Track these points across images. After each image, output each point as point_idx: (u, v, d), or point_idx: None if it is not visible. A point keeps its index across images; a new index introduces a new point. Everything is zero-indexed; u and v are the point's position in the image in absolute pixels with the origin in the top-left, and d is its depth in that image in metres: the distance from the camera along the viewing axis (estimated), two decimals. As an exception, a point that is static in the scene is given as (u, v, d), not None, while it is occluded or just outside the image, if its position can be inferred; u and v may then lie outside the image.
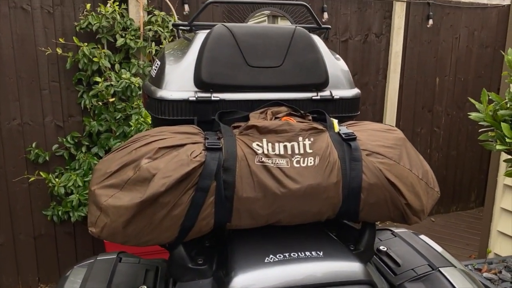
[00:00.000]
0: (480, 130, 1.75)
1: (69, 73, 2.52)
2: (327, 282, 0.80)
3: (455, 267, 1.02)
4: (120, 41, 2.43)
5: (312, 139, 0.89)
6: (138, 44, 2.47)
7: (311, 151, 0.88)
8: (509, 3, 3.72)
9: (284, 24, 3.05)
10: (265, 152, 0.86)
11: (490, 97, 1.74)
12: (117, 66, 2.44)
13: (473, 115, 1.77)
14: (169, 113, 1.02)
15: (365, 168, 0.90)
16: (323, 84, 1.08)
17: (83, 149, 2.53)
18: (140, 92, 2.35)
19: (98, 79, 2.34)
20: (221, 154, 0.85)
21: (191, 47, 1.06)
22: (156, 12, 2.56)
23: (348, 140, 0.92)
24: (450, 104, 3.77)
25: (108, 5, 2.39)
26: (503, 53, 1.79)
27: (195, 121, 1.02)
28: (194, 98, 1.01)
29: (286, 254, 0.84)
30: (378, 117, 3.51)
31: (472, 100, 1.74)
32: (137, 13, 2.56)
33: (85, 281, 0.94)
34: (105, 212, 0.80)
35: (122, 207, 0.79)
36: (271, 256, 0.84)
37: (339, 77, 1.12)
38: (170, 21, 2.54)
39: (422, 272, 1.00)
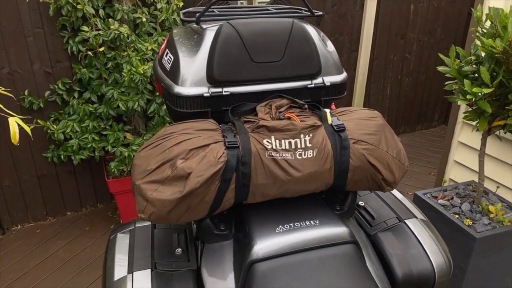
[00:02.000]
0: (446, 83, 1.97)
1: (51, 19, 2.50)
2: (322, 244, 1.08)
3: (417, 218, 1.32)
4: (102, -15, 2.39)
5: (311, 135, 1.10)
6: (120, -13, 2.45)
7: (310, 145, 1.09)
8: None
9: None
10: (274, 147, 1.07)
11: (458, 52, 1.94)
12: (101, 12, 2.44)
13: (440, 68, 1.98)
14: (186, 106, 1.18)
15: (352, 154, 1.13)
16: (316, 73, 1.26)
17: (75, 95, 2.62)
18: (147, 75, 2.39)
19: (85, 28, 2.36)
20: (239, 151, 1.05)
21: (202, 45, 1.19)
22: (135, -50, 2.49)
23: (339, 131, 1.13)
24: (422, 31, 3.93)
25: None
26: (473, 10, 1.94)
27: (209, 113, 1.19)
28: (208, 94, 1.17)
29: (291, 224, 1.10)
30: (355, 47, 3.65)
31: (441, 56, 1.93)
32: (115, -49, 2.48)
33: (132, 249, 1.18)
34: (151, 203, 1.02)
35: (166, 200, 1.01)
36: (280, 226, 1.10)
37: (329, 65, 1.29)
38: (151, -39, 2.49)
39: (391, 223, 1.30)
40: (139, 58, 2.36)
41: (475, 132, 2.39)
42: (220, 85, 1.18)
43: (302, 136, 1.09)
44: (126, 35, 2.33)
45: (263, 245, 1.06)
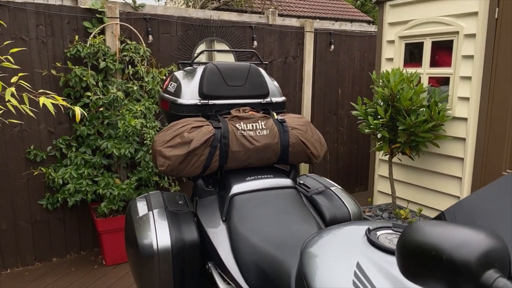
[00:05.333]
0: (358, 122, 2.80)
1: (59, 88, 3.19)
2: (274, 187, 1.72)
3: (337, 186, 2.00)
4: (102, 65, 3.16)
5: (265, 121, 1.80)
6: (115, 67, 3.22)
7: (265, 127, 1.79)
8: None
9: (220, 46, 3.95)
10: (243, 128, 1.76)
11: (364, 101, 2.81)
12: (100, 84, 3.17)
13: (353, 112, 2.82)
14: (185, 111, 1.86)
15: (291, 135, 1.83)
16: (266, 95, 2.01)
17: (73, 149, 3.20)
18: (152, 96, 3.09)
19: (89, 93, 3.05)
20: (221, 130, 1.73)
21: (195, 75, 1.92)
22: (128, 41, 3.33)
23: (281, 122, 1.85)
24: (350, 108, 4.95)
25: (92, 36, 3.12)
26: (370, 74, 2.87)
27: (200, 116, 1.88)
28: (199, 103, 1.87)
29: (256, 176, 1.74)
30: (297, 120, 4.54)
31: (352, 103, 2.79)
32: (113, 42, 3.31)
33: (149, 202, 1.75)
34: (168, 158, 1.64)
35: (178, 155, 1.63)
36: (248, 177, 1.73)
37: (274, 91, 2.05)
38: (140, 48, 3.32)
39: (321, 189, 1.96)
40: (131, 115, 3.04)
41: (387, 166, 3.19)
42: (206, 99, 1.89)
43: (259, 121, 1.80)
44: (121, 98, 3.04)
45: (238, 186, 1.69)
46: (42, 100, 1.77)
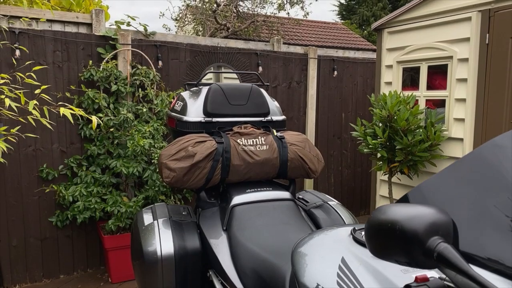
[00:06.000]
0: (357, 142, 2.90)
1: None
2: (273, 199, 1.81)
3: (334, 201, 2.08)
4: (113, 88, 3.33)
5: (264, 137, 1.91)
6: (126, 90, 3.39)
7: (264, 143, 1.90)
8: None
9: (227, 70, 4.13)
10: (244, 143, 1.87)
11: (363, 123, 2.91)
12: (111, 105, 3.33)
13: (353, 133, 2.92)
14: (190, 128, 1.98)
15: (289, 151, 1.94)
16: (267, 113, 2.13)
17: (84, 168, 3.33)
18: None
19: (100, 114, 3.21)
20: (223, 145, 1.84)
21: (200, 95, 2.05)
22: (139, 66, 3.51)
23: (280, 138, 1.96)
24: (354, 133, 5.05)
25: (105, 61, 3.31)
26: (369, 97, 2.99)
27: (204, 132, 2.00)
28: (204, 121, 1.99)
29: (256, 189, 1.84)
30: (301, 143, 4.65)
31: (352, 125, 2.90)
32: (124, 66, 3.49)
33: (155, 213, 1.84)
34: (173, 171, 1.75)
35: (183, 167, 1.74)
36: (249, 189, 1.83)
37: (274, 110, 2.17)
38: (150, 73, 3.50)
39: (319, 204, 2.04)
40: (140, 135, 3.18)
41: (387, 186, 3.26)
42: (210, 116, 2.02)
43: (259, 137, 1.91)
44: (131, 119, 3.18)
45: (239, 197, 1.79)
46: (62, 110, 1.91)
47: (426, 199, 0.76)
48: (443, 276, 0.68)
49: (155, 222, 1.76)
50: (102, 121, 3.24)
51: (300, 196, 2.14)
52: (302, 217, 1.78)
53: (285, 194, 1.86)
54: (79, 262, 3.49)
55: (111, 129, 3.25)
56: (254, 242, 1.58)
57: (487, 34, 2.58)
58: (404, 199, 0.79)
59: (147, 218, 1.81)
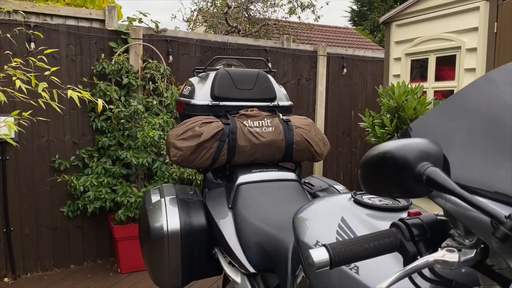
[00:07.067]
0: (365, 132, 2.91)
1: (84, 103, 3.41)
2: (279, 179, 1.82)
3: (341, 186, 2.09)
4: (125, 81, 3.39)
5: (270, 119, 1.94)
6: (137, 83, 3.45)
7: (270, 125, 1.92)
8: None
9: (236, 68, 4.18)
10: (250, 125, 1.89)
11: (371, 113, 2.92)
12: (122, 98, 3.39)
13: (361, 124, 2.93)
14: (198, 111, 2.02)
15: (295, 133, 1.95)
16: (273, 98, 2.15)
17: (95, 159, 3.39)
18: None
19: (112, 106, 3.27)
20: (230, 126, 1.87)
21: (208, 79, 2.09)
22: (150, 60, 3.57)
23: (286, 121, 1.98)
24: (363, 130, 5.04)
25: (117, 54, 3.37)
26: (377, 88, 3.00)
27: (211, 115, 2.03)
28: (211, 104, 2.02)
29: (261, 169, 1.86)
30: (311, 140, 4.66)
31: (360, 115, 2.91)
32: (135, 60, 3.55)
33: (162, 191, 1.87)
34: (180, 149, 1.78)
35: (189, 146, 1.77)
36: (254, 169, 1.85)
37: (281, 96, 2.20)
38: (161, 67, 3.55)
39: (325, 187, 2.05)
40: (150, 127, 3.23)
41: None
42: (217, 100, 2.05)
43: (265, 119, 1.93)
44: (142, 111, 3.24)
45: (244, 176, 1.81)
46: (69, 93, 1.96)
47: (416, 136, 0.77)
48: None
49: (162, 200, 1.79)
50: (113, 112, 3.30)
51: (306, 181, 2.15)
52: (306, 197, 1.79)
53: (291, 175, 1.87)
54: (89, 253, 3.54)
55: (122, 121, 3.31)
56: (258, 218, 1.60)
57: (495, 23, 2.58)
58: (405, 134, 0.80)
59: (155, 196, 1.84)
